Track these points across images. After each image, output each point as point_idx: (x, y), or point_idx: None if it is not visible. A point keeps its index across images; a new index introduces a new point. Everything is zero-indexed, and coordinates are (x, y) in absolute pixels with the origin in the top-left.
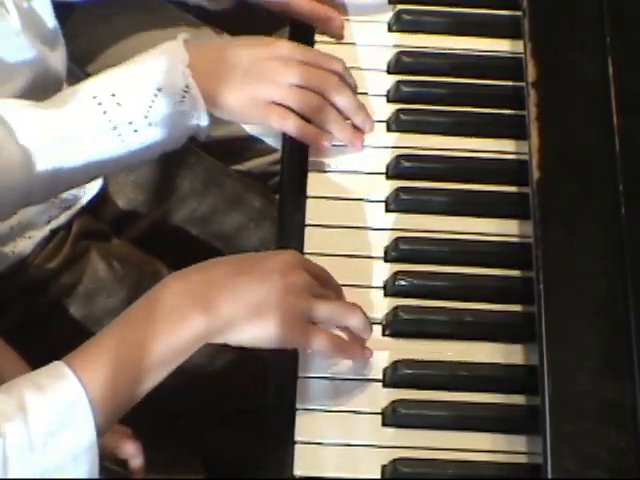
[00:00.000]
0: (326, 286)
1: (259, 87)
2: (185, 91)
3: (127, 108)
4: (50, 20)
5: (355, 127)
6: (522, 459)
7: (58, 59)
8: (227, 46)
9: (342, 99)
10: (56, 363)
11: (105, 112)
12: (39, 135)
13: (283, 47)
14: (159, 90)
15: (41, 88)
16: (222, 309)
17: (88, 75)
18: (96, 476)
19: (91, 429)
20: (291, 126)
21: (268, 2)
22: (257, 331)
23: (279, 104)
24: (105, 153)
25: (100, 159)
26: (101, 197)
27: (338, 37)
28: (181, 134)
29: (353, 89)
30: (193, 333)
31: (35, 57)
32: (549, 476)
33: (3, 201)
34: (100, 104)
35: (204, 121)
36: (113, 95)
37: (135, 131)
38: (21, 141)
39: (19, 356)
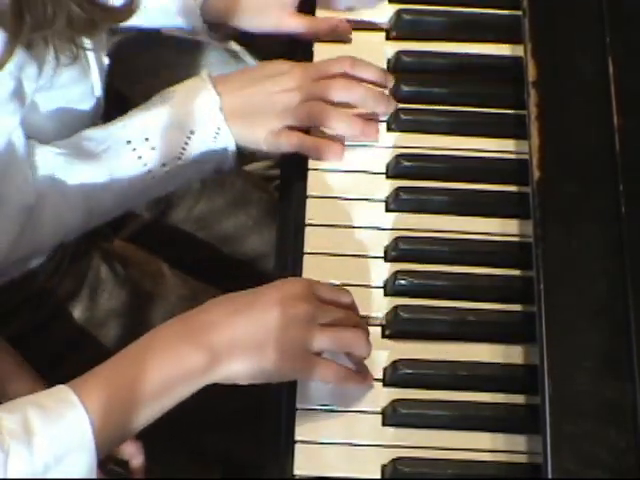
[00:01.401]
0: (337, 307)
1: (279, 120)
2: (217, 133)
3: (161, 152)
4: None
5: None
6: (522, 459)
7: (98, 87)
8: (250, 81)
9: (347, 95)
10: (62, 387)
11: (140, 157)
12: (78, 188)
13: (298, 75)
14: (192, 132)
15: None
16: (222, 349)
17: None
18: None
19: (92, 457)
20: (295, 143)
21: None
22: (259, 368)
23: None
24: (137, 193)
25: (132, 199)
26: None
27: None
28: (210, 169)
29: (369, 76)
30: (193, 371)
31: (81, 88)
32: (549, 476)
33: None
34: (135, 150)
35: (233, 157)
36: (147, 139)
37: (167, 172)
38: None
39: (22, 358)
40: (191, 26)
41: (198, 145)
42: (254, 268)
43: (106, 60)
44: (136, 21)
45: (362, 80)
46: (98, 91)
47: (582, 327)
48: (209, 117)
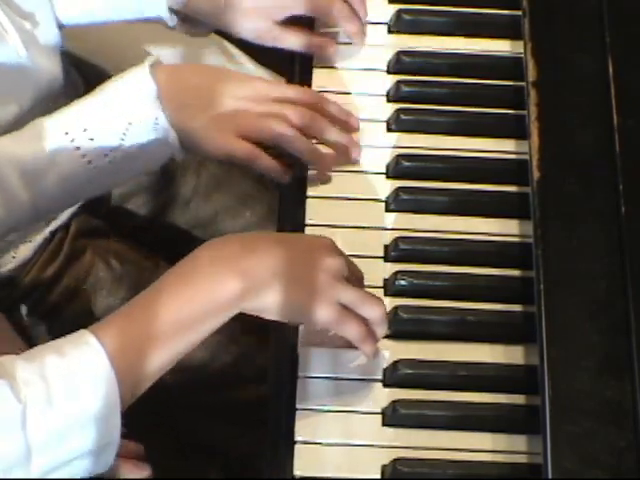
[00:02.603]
0: (354, 276)
1: (227, 120)
2: (156, 123)
3: (100, 142)
4: (55, 41)
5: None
6: (522, 459)
7: (58, 68)
8: (196, 71)
9: (310, 124)
10: (81, 331)
11: (78, 148)
12: (13, 173)
13: (255, 87)
14: (130, 124)
15: (45, 99)
16: (258, 277)
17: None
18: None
19: (114, 388)
20: (248, 155)
21: (259, 38)
22: (290, 303)
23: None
24: (82, 183)
25: (78, 188)
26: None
27: (334, 62)
28: (156, 160)
29: (334, 113)
30: (228, 296)
31: (37, 74)
32: (549, 476)
33: None
34: (73, 140)
35: (177, 150)
36: (85, 130)
37: (110, 162)
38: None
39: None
40: (157, 16)
41: (137, 136)
42: None
43: (53, 31)
44: (81, 15)
45: (327, 116)
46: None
47: (582, 327)
48: (146, 107)
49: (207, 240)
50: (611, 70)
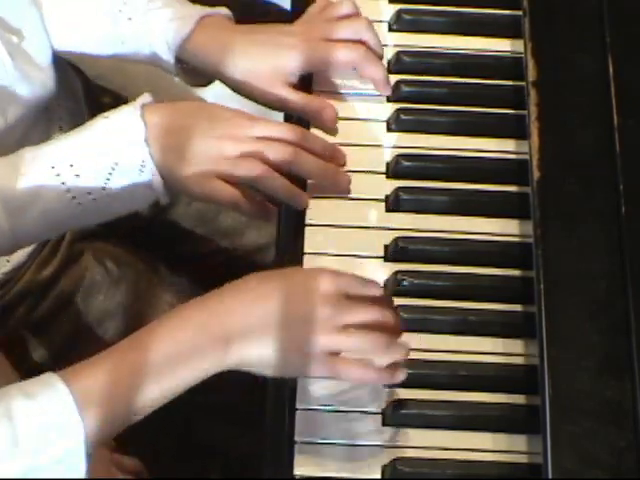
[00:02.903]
0: (368, 300)
1: (208, 163)
2: (142, 165)
3: (85, 180)
4: (45, 53)
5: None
6: (522, 459)
7: (50, 79)
8: (182, 112)
9: (295, 166)
10: (47, 374)
11: (64, 182)
12: None
13: (238, 125)
14: (116, 164)
15: (34, 108)
16: (236, 335)
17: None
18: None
19: (80, 434)
20: (229, 198)
21: (263, 97)
22: (271, 358)
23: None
24: (65, 218)
25: (60, 222)
26: None
27: (332, 129)
28: (140, 202)
29: (318, 149)
30: (206, 364)
31: (26, 84)
32: (549, 476)
33: None
34: (58, 175)
35: (161, 194)
36: (71, 166)
37: (94, 200)
38: None
39: (12, 368)
40: (159, 62)
41: (122, 178)
42: (254, 261)
43: (44, 44)
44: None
45: (311, 152)
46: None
47: (582, 327)
48: (134, 149)
49: (208, 239)
50: (611, 70)
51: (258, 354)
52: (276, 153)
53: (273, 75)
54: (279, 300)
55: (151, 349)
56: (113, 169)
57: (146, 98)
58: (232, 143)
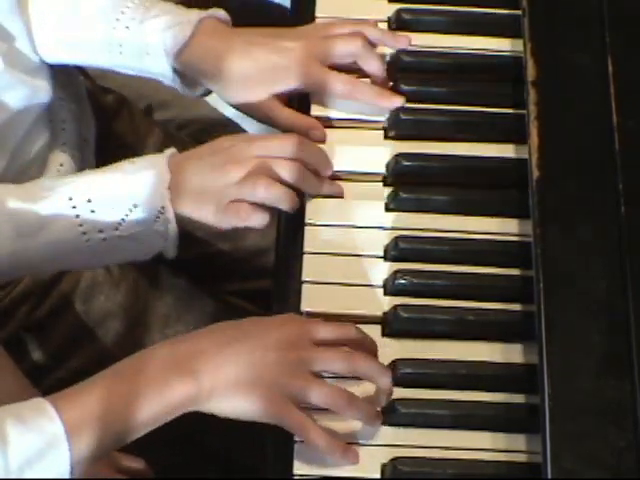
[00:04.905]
0: (345, 344)
1: (222, 196)
2: (160, 212)
3: (100, 217)
4: (34, 55)
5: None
6: (522, 458)
7: (45, 82)
8: (209, 166)
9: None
10: (39, 400)
11: (77, 216)
12: (8, 227)
13: (239, 150)
14: (135, 206)
15: (27, 112)
16: (207, 382)
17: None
18: None
19: (66, 464)
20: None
21: (253, 111)
22: (241, 408)
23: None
24: (69, 252)
25: (62, 257)
26: None
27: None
28: (148, 251)
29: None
30: (175, 401)
31: (23, 91)
32: (549, 476)
33: None
34: (74, 207)
35: (172, 244)
36: (89, 201)
37: (103, 240)
38: None
39: (16, 367)
40: (158, 73)
41: (138, 220)
42: (256, 264)
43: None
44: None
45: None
46: (46, 96)
47: (582, 327)
48: (155, 194)
49: (209, 241)
50: (611, 70)
51: (227, 405)
52: (276, 169)
53: (265, 92)
54: (250, 351)
55: (137, 380)
56: (130, 210)
57: (171, 151)
58: (234, 167)
